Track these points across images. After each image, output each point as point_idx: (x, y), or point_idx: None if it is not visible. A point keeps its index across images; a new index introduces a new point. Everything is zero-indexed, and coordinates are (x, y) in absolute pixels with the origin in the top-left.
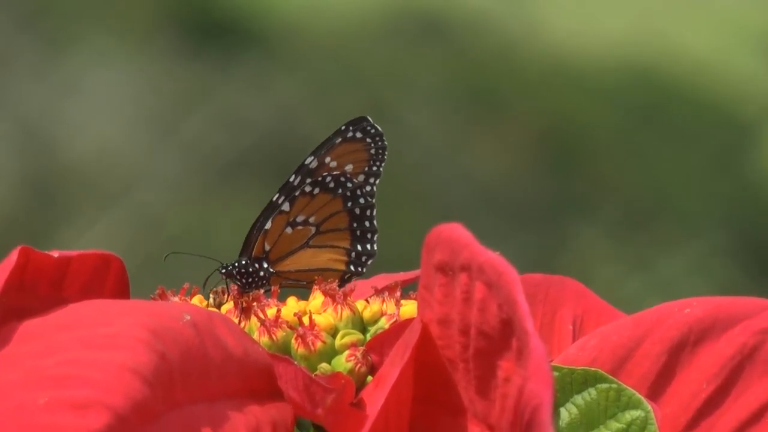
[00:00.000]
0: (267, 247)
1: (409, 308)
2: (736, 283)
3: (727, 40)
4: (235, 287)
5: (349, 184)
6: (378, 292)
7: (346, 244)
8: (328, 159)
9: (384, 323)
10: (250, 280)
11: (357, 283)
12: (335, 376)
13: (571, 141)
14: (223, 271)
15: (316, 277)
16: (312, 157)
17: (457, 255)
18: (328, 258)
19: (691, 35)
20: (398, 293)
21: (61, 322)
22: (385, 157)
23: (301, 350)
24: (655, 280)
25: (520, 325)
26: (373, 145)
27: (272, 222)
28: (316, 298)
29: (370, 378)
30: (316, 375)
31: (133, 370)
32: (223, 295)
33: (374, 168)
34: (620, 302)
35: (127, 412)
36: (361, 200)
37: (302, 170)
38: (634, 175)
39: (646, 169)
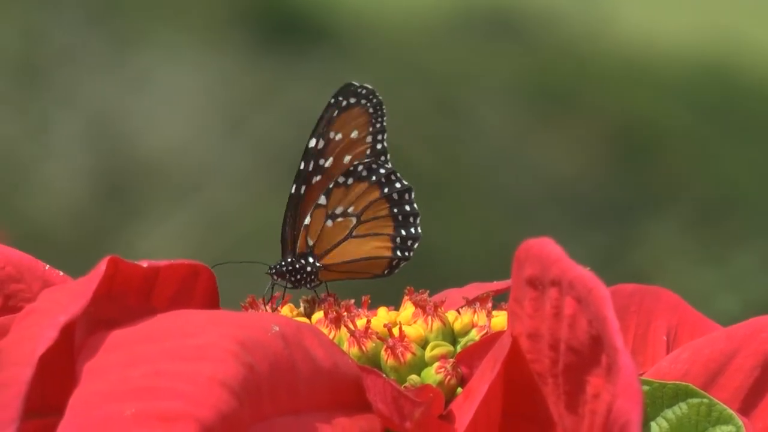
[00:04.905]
0: (310, 242)
1: (501, 320)
2: None
3: None
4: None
5: (382, 170)
6: (469, 302)
7: (390, 231)
8: (332, 134)
9: (475, 335)
10: (298, 276)
11: (448, 293)
12: (424, 388)
13: (642, 137)
14: (273, 270)
15: (364, 265)
16: (314, 139)
17: (548, 270)
18: (373, 246)
19: (763, 31)
20: (490, 304)
21: (149, 332)
22: (384, 111)
23: (390, 362)
24: (727, 276)
25: (610, 341)
26: (369, 104)
27: (311, 216)
28: (407, 309)
29: (459, 390)
30: (405, 387)
31: (222, 382)
32: (314, 304)
33: (378, 125)
34: (692, 298)
35: (215, 424)
36: (397, 185)
37: (310, 154)
38: (705, 171)
39: (718, 166)
